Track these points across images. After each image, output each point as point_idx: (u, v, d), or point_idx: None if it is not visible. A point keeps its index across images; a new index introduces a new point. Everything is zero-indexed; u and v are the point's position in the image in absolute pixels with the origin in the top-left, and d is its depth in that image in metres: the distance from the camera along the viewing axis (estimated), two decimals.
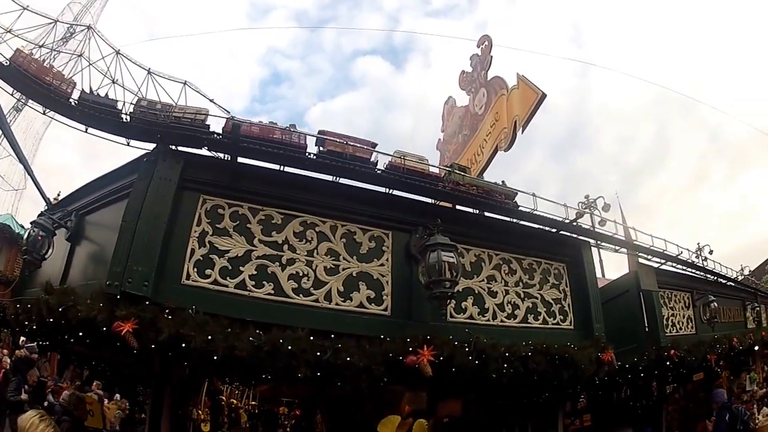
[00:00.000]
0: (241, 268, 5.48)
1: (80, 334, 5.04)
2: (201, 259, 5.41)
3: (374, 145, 6.39)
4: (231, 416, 8.93)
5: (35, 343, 8.59)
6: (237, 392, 9.95)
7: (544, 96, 8.89)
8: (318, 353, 4.98)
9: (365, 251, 6.04)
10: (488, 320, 6.40)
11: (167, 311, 4.79)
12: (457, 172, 6.91)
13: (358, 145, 6.27)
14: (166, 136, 5.72)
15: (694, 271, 10.51)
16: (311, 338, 5.04)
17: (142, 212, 5.31)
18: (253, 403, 9.17)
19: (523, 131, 9.17)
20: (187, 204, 5.59)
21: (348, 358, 5.05)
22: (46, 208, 7.21)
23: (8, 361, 10.21)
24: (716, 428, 10.97)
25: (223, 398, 8.66)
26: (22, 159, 10.46)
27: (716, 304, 10.52)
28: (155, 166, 5.59)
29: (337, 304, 5.68)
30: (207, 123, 5.90)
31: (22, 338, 10.74)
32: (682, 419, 12.86)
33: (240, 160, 5.94)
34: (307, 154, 6.01)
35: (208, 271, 5.37)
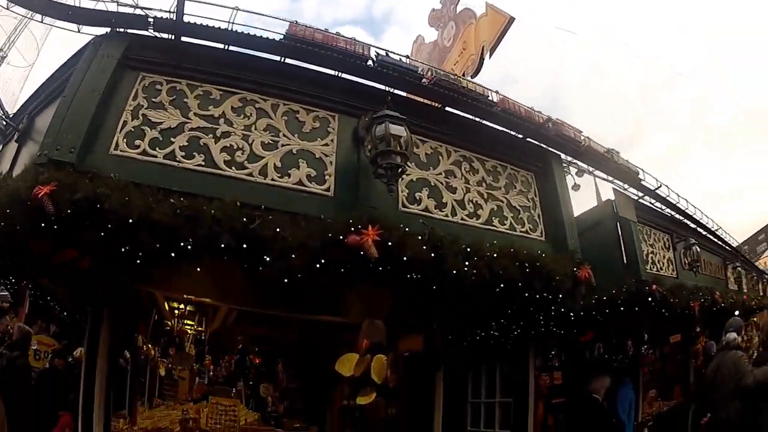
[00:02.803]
0: (172, 139, 5.03)
1: (8, 211, 4.41)
2: (132, 130, 5.00)
3: None
4: (176, 341, 8.19)
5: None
6: (189, 327, 9.25)
7: (512, 20, 8.33)
8: (245, 219, 4.44)
9: (308, 130, 5.49)
10: (446, 215, 5.74)
11: (89, 176, 4.37)
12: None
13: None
14: None
15: (674, 213, 10.01)
16: (239, 205, 4.53)
17: (80, 86, 4.97)
18: (200, 328, 8.39)
19: (490, 56, 8.63)
20: (127, 81, 5.25)
21: (278, 229, 4.47)
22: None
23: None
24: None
25: (169, 323, 7.92)
26: None
27: (698, 249, 9.98)
28: (100, 46, 5.26)
29: (273, 179, 5.14)
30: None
31: None
32: (660, 381, 12.51)
33: (185, 40, 5.50)
34: None
35: (137, 142, 4.94)
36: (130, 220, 4.20)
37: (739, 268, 14.40)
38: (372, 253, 4.56)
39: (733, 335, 7.06)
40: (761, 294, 19.02)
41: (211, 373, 8.72)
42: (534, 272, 5.53)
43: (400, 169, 5.03)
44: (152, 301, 7.33)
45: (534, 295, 5.75)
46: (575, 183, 8.32)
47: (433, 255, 4.92)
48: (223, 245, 4.35)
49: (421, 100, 6.30)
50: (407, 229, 4.90)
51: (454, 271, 5.01)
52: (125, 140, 4.92)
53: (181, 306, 7.85)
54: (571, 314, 7.67)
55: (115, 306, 6.00)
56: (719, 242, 13.38)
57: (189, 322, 8.18)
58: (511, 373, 8.60)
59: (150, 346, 7.63)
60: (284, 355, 9.02)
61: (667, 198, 9.43)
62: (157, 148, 4.95)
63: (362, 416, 7.36)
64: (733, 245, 14.49)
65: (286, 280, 4.88)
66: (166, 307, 7.71)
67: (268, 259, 4.55)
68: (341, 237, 4.61)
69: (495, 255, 5.29)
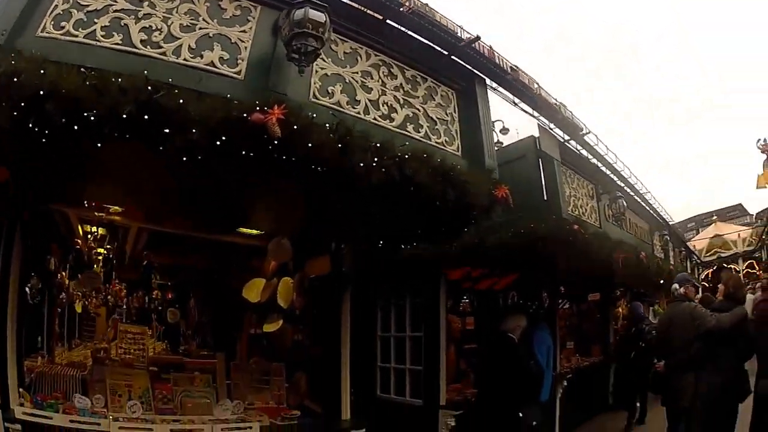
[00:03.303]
0: (95, 20, 4.92)
1: None
2: (60, 13, 4.90)
3: None
4: (84, 259, 8.09)
5: None
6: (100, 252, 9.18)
7: None
8: (150, 89, 4.39)
9: (228, 17, 5.41)
10: (358, 113, 5.70)
11: (12, 54, 4.34)
12: None
13: None
14: None
15: (600, 164, 10.21)
16: (146, 75, 4.48)
17: None
18: (109, 246, 8.28)
19: None
20: None
21: (181, 101, 4.43)
22: None
23: None
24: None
25: (79, 240, 7.82)
26: None
27: (624, 203, 10.18)
28: None
29: (185, 59, 5.07)
30: None
31: None
32: (577, 337, 12.84)
33: None
34: None
35: (63, 23, 4.86)
36: (42, 92, 4.16)
37: (667, 236, 14.79)
38: (275, 132, 4.53)
39: (675, 286, 7.77)
40: (689, 271, 19.66)
41: (125, 306, 8.70)
42: (448, 180, 5.58)
43: (314, 54, 5.02)
44: (66, 223, 7.30)
45: (447, 205, 5.76)
46: (498, 140, 8.50)
47: (340, 146, 4.92)
48: (125, 116, 4.30)
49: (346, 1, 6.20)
50: (314, 115, 4.91)
51: (362, 164, 4.99)
52: (52, 23, 4.87)
53: (94, 229, 7.79)
54: (486, 245, 7.79)
55: (29, 223, 5.98)
56: (646, 207, 13.68)
57: (100, 249, 8.12)
58: (422, 307, 8.67)
59: (64, 273, 7.62)
60: (196, 288, 9.01)
61: (596, 147, 9.61)
62: (80, 29, 4.88)
63: (269, 344, 7.51)
64: (660, 212, 14.86)
65: (186, 162, 4.79)
66: (80, 231, 7.64)
67: (168, 131, 4.48)
68: (245, 115, 4.60)
69: (407, 156, 5.30)
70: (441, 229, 6.73)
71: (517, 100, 7.99)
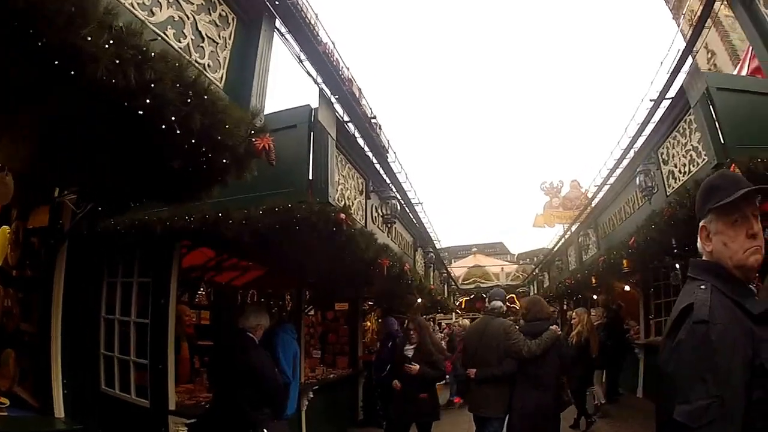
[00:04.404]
0: None
1: None
2: None
3: None
4: None
5: None
6: None
7: None
8: None
9: None
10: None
11: None
12: None
13: None
14: None
15: (376, 161, 9.73)
16: None
17: None
18: None
19: None
20: None
21: None
22: None
23: None
24: (378, 354, 11.79)
25: None
26: None
27: (398, 205, 9.92)
28: None
29: None
30: None
31: None
32: (321, 346, 12.57)
33: None
34: None
35: None
36: None
37: (432, 254, 14.95)
38: None
39: (498, 303, 8.16)
40: (446, 295, 20.27)
41: None
42: (199, 102, 4.40)
43: None
44: None
45: (191, 136, 4.50)
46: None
47: (73, 9, 3.57)
48: None
49: None
50: None
51: (90, 39, 3.65)
52: None
53: None
54: (230, 220, 6.87)
55: None
56: (413, 219, 13.62)
57: None
58: (150, 289, 7.72)
59: None
60: None
61: (379, 136, 9.14)
62: None
63: None
64: (425, 225, 14.96)
65: None
66: None
67: None
68: None
69: (153, 55, 4.06)
70: (179, 179, 5.39)
71: (303, 57, 7.17)
